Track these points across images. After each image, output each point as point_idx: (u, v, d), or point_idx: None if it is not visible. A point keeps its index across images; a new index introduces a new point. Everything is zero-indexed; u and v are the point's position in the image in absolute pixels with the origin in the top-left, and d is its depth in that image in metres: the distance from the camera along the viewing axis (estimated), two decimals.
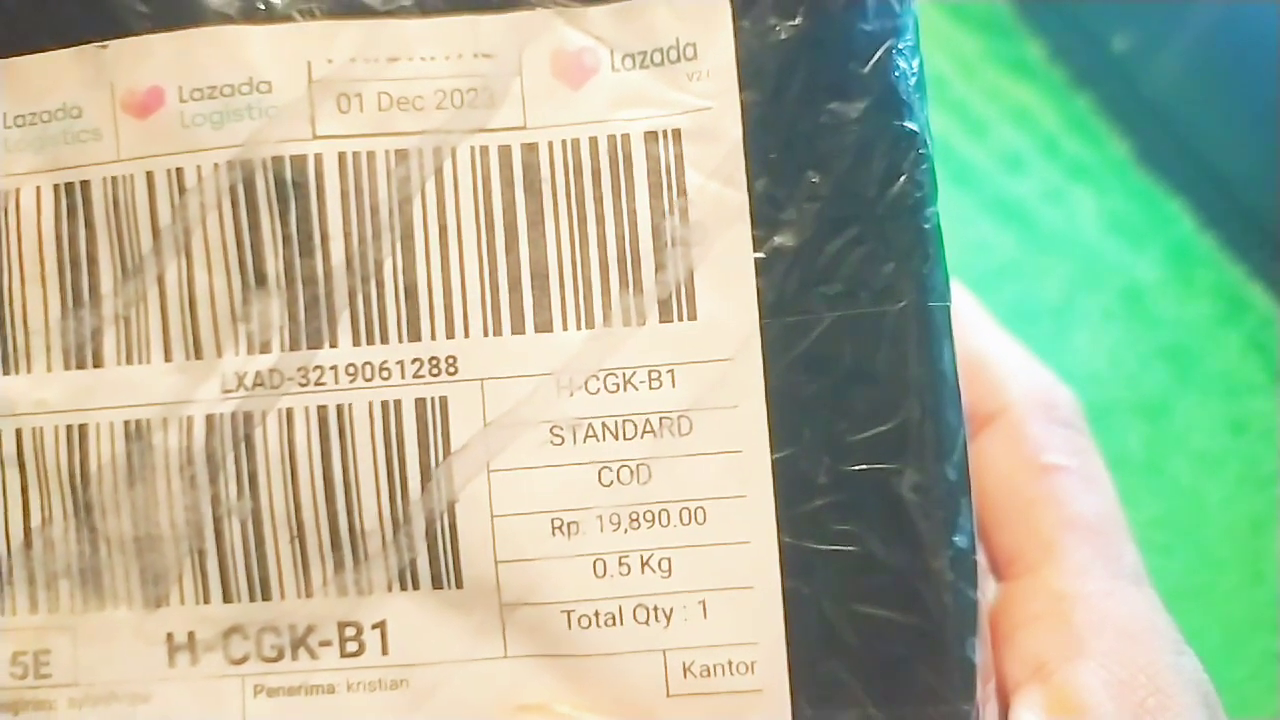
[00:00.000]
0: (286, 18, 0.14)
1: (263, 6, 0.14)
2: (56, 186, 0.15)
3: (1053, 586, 0.16)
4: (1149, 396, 0.29)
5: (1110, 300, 0.29)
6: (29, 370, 0.15)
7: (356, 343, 0.14)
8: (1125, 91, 0.33)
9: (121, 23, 0.15)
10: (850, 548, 0.14)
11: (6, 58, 0.15)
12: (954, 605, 0.14)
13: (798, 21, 0.14)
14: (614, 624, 0.14)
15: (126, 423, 0.14)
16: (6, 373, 0.15)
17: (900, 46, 0.14)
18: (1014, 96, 0.32)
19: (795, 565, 0.14)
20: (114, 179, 0.15)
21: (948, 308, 0.14)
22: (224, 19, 0.14)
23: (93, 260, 0.15)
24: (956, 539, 0.14)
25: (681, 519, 0.14)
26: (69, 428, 0.15)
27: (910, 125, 0.14)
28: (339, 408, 0.14)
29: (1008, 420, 0.18)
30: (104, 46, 0.15)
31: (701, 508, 0.14)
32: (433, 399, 0.14)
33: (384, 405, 0.14)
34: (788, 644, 0.14)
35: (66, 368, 0.15)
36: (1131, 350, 0.29)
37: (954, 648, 0.14)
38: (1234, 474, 0.28)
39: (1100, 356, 0.29)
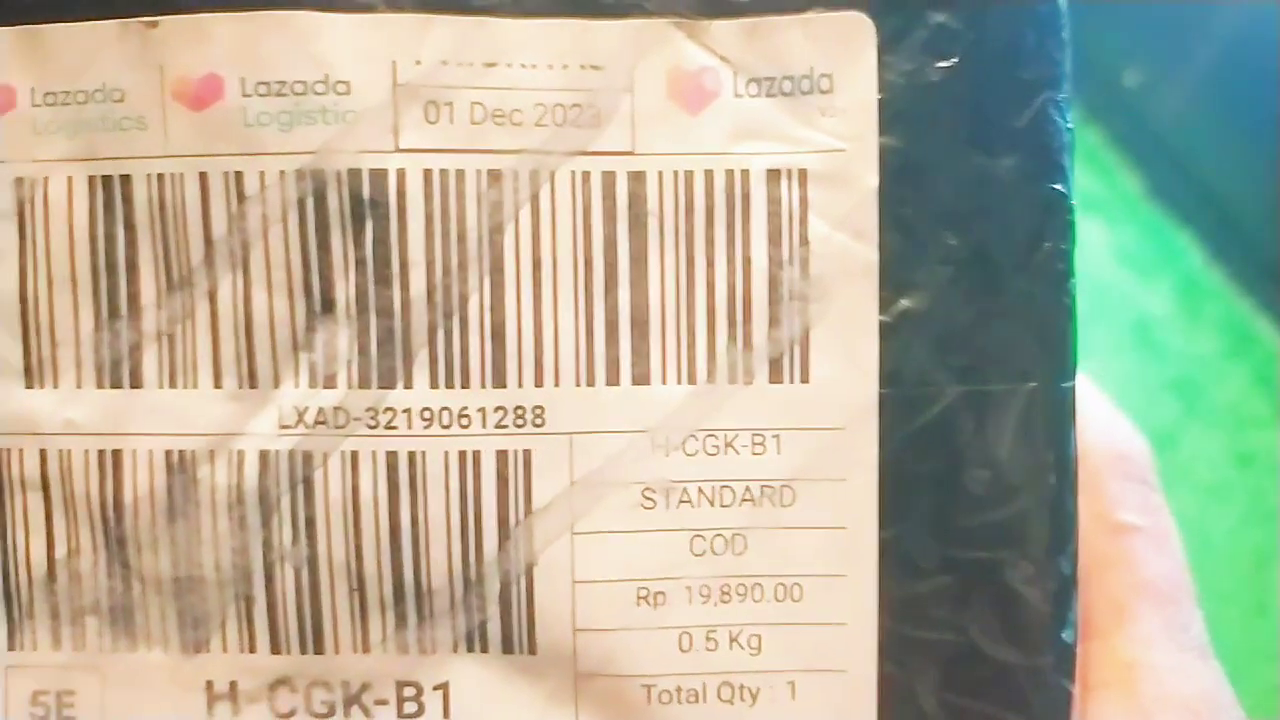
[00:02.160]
0: (369, 7, 0.13)
1: None
2: (92, 179, 0.13)
3: (1121, 655, 0.16)
4: (1156, 428, 0.28)
5: (1120, 332, 0.29)
6: (56, 385, 0.13)
7: (434, 385, 0.13)
8: (1135, 126, 0.33)
9: None
10: (952, 637, 0.13)
11: (37, 24, 0.13)
12: (1052, 702, 0.13)
13: (952, 63, 0.13)
14: (696, 701, 0.13)
15: (168, 452, 0.13)
16: (30, 386, 0.13)
17: (1058, 99, 0.13)
18: None
19: (893, 650, 0.13)
20: (160, 176, 0.13)
21: (1074, 388, 0.13)
22: (296, 2, 0.12)
23: (133, 267, 0.13)
24: (1063, 634, 0.13)
25: (776, 595, 0.13)
26: (101, 453, 0.13)
27: (1060, 188, 0.13)
28: (410, 455, 0.13)
29: (1083, 471, 0.17)
30: (153, 23, 0.13)
31: (798, 584, 0.13)
32: (515, 452, 0.13)
33: (461, 456, 0.13)
34: None
35: (99, 386, 0.13)
36: (1140, 382, 0.29)
37: None
38: (1239, 507, 0.28)
39: (1109, 388, 0.29)
